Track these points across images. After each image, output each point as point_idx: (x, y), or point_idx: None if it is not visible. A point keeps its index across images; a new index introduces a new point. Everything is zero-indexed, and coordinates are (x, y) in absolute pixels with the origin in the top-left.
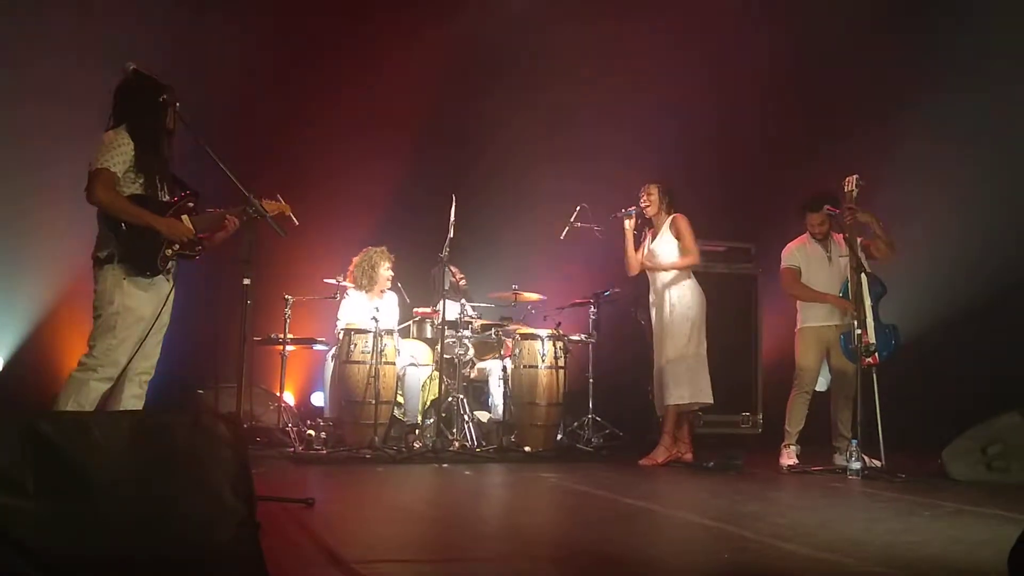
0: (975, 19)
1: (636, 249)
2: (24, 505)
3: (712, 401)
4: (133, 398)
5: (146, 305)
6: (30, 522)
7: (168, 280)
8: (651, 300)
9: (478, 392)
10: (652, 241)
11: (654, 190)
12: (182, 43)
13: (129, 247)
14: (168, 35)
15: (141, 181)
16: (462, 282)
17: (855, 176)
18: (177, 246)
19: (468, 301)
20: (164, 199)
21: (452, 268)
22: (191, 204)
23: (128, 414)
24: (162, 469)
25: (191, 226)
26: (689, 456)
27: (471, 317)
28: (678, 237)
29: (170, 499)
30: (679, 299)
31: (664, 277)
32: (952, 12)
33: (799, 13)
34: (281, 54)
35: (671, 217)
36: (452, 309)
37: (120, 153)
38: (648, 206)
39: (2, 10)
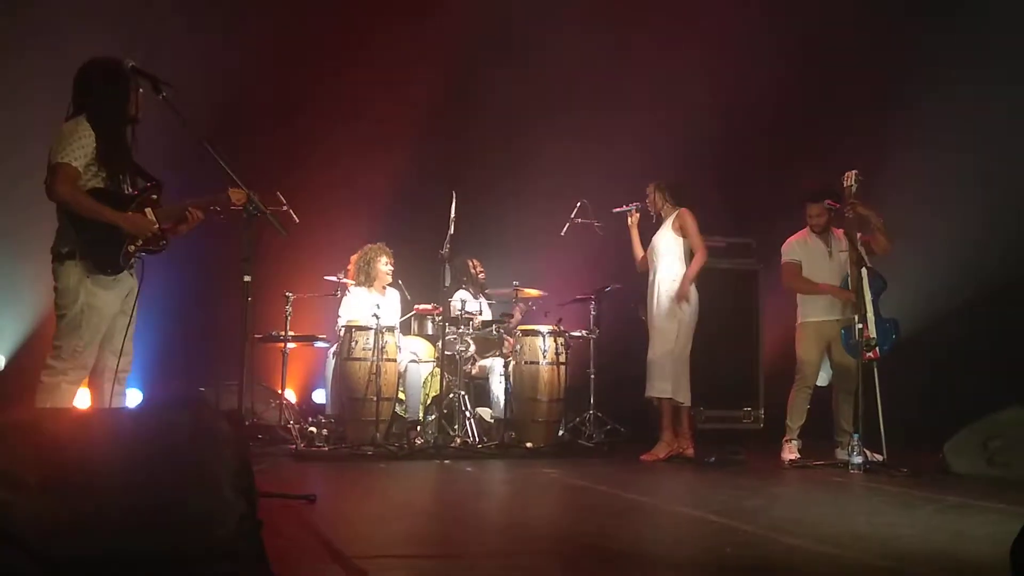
0: (976, 15)
1: (636, 238)
2: (26, 502)
3: (688, 403)
4: (118, 396)
5: (112, 303)
6: (32, 520)
7: (132, 275)
8: (649, 291)
9: (479, 389)
10: (654, 235)
11: (650, 190)
12: (182, 39)
13: (91, 244)
14: (168, 31)
15: (103, 174)
16: (481, 275)
17: (854, 171)
18: (140, 242)
19: (484, 295)
20: (127, 191)
21: (473, 260)
22: (154, 196)
23: (130, 411)
24: (163, 467)
25: (154, 219)
26: (690, 451)
27: (470, 313)
28: (683, 234)
29: (171, 496)
30: (669, 296)
31: (660, 272)
32: (953, 8)
33: (801, 8)
34: (280, 51)
35: (676, 212)
36: (471, 303)
37: (81, 146)
38: (649, 203)
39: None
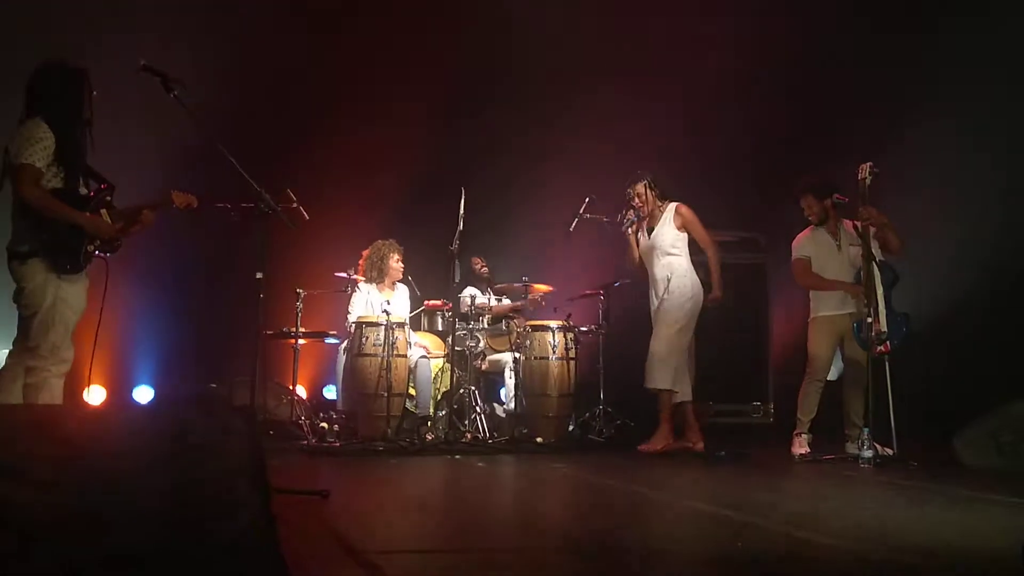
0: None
1: (634, 243)
2: (39, 500)
3: (690, 399)
4: (40, 388)
5: (80, 297)
6: (46, 517)
7: (86, 275)
8: (651, 288)
9: (490, 384)
10: (649, 232)
11: (641, 189)
12: (195, 39)
13: (52, 244)
14: (180, 30)
15: (62, 175)
16: (484, 270)
17: (869, 164)
18: (98, 242)
19: (492, 289)
20: (83, 192)
21: (475, 258)
22: (108, 198)
23: (143, 407)
24: (177, 463)
25: (111, 221)
26: (700, 445)
27: (481, 307)
28: (686, 229)
29: (185, 493)
30: (678, 288)
31: (664, 265)
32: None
33: (809, 3)
34: (291, 49)
35: (672, 206)
36: (480, 298)
37: (42, 147)
38: (642, 206)
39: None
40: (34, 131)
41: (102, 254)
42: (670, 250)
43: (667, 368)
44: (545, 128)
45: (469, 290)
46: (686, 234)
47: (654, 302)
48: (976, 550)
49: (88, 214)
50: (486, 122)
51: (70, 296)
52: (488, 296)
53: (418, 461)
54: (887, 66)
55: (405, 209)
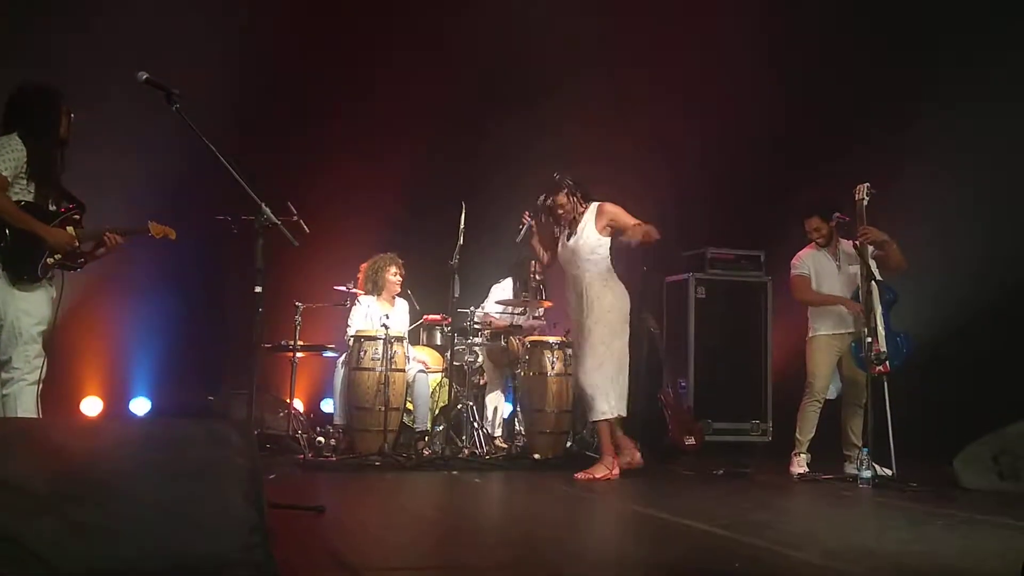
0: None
1: (553, 245)
2: (36, 512)
3: (625, 415)
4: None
5: (43, 305)
6: (44, 531)
7: (52, 286)
8: (571, 304)
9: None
10: (569, 238)
11: (563, 199)
12: (191, 48)
13: (11, 252)
14: (177, 40)
15: (31, 189)
16: (537, 277)
17: (866, 184)
18: (60, 256)
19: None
20: (51, 209)
21: (538, 264)
22: (77, 216)
23: (140, 420)
24: (174, 477)
25: (75, 238)
26: (638, 456)
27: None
28: (613, 224)
29: (182, 507)
30: (597, 302)
31: (583, 278)
32: (961, 21)
33: (810, 18)
34: (290, 61)
35: (593, 207)
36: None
37: (12, 159)
38: (564, 213)
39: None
40: (6, 144)
41: (64, 269)
42: (589, 256)
43: (607, 396)
44: (547, 142)
45: (507, 281)
46: (609, 239)
47: (572, 312)
48: (974, 572)
49: (49, 227)
50: (488, 136)
51: (30, 306)
52: (524, 311)
53: (415, 476)
54: (889, 84)
55: (405, 223)
